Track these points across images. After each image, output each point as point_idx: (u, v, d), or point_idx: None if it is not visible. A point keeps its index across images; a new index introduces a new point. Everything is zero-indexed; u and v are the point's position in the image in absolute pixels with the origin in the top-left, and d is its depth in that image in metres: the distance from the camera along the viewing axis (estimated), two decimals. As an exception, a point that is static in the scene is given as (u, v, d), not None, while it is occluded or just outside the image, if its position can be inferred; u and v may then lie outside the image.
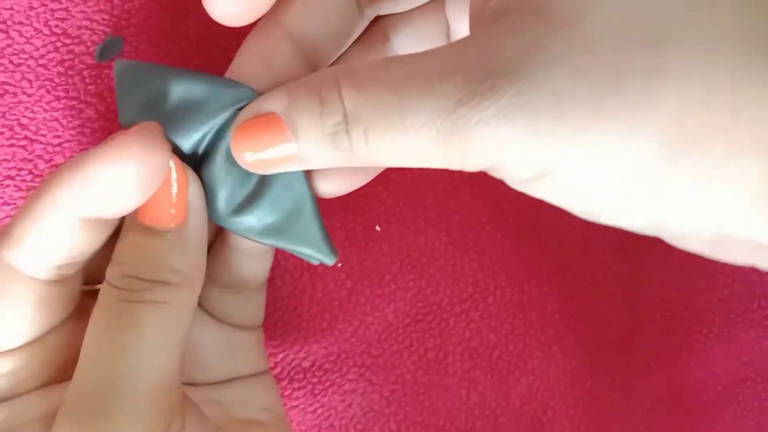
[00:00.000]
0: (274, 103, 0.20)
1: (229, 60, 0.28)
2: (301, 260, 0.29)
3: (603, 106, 0.16)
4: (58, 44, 0.27)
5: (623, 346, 0.31)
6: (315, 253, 0.23)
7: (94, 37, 0.27)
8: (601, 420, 0.31)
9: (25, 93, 0.27)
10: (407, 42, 0.25)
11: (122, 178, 0.20)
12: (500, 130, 0.16)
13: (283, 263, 0.29)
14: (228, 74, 0.22)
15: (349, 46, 0.25)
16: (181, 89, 0.21)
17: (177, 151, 0.22)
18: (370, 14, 0.24)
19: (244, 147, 0.20)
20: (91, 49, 0.27)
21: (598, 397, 0.31)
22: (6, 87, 0.27)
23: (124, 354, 0.20)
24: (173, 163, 0.21)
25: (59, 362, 0.23)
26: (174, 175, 0.21)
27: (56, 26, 0.27)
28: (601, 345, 0.31)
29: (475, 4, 0.20)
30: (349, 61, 0.25)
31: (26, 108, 0.27)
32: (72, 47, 0.27)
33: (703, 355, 0.32)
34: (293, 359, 0.30)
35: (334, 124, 0.19)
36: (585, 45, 0.16)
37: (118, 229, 0.23)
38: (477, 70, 0.17)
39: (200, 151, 0.22)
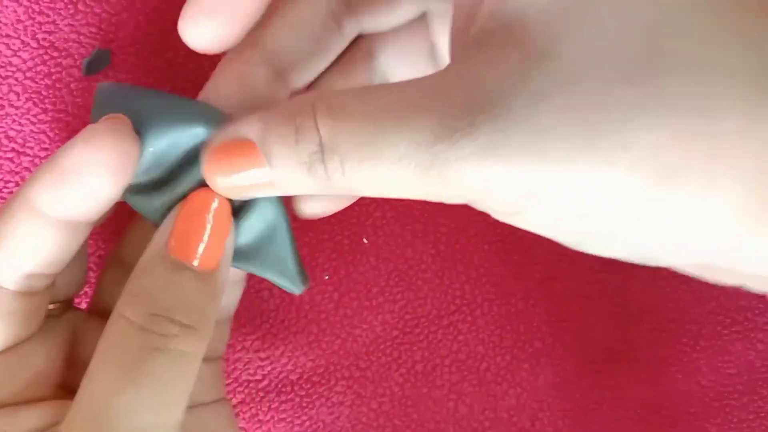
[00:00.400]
0: (248, 129, 0.20)
1: (216, 73, 0.28)
2: (288, 272, 0.29)
3: (585, 141, 0.16)
4: (46, 57, 0.27)
5: (611, 358, 0.31)
6: (283, 281, 0.23)
7: (82, 50, 0.27)
8: (589, 431, 0.32)
9: (12, 105, 0.27)
10: (392, 61, 0.25)
11: (92, 164, 0.19)
12: (480, 167, 0.16)
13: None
14: (202, 94, 0.22)
15: (333, 65, 0.25)
16: (151, 106, 0.21)
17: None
18: (351, 32, 0.24)
19: (216, 171, 0.20)
20: (78, 62, 0.27)
21: (586, 409, 0.31)
22: (-7, 99, 0.27)
23: (146, 409, 0.19)
24: (220, 206, 0.21)
25: (16, 383, 0.22)
26: (212, 215, 0.21)
27: (44, 39, 0.27)
28: (589, 357, 0.31)
29: (455, 32, 0.20)
30: (331, 80, 0.25)
31: (13, 120, 0.27)
32: (59, 60, 0.27)
33: (690, 367, 0.32)
34: (281, 372, 0.30)
35: (310, 153, 0.18)
36: (566, 79, 0.16)
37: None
38: (455, 104, 0.17)
39: (166, 170, 0.21)
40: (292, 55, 0.22)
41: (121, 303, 0.20)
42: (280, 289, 0.29)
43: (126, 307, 0.20)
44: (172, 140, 0.21)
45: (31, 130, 0.27)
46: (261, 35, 0.22)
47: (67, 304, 0.25)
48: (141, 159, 0.21)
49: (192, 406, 0.25)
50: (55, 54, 0.27)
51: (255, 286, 0.29)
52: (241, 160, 0.19)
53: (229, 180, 0.20)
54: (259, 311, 0.30)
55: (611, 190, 0.16)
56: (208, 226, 0.21)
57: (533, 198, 0.17)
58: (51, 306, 0.24)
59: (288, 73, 0.23)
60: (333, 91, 0.19)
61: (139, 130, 0.20)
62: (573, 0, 0.16)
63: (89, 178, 0.20)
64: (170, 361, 0.20)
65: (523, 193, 0.17)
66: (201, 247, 0.20)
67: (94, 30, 0.27)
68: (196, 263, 0.20)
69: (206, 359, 0.25)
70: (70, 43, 0.27)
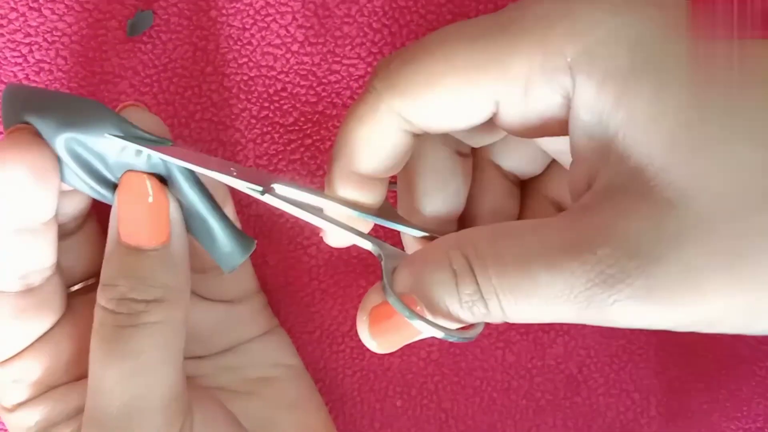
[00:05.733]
0: (401, 283, 0.21)
1: (260, 30, 0.28)
2: (335, 227, 0.30)
3: (736, 273, 0.17)
4: (90, 20, 0.27)
5: (657, 304, 0.32)
6: (213, 255, 0.23)
7: (125, 12, 0.27)
8: (635, 376, 0.32)
9: (60, 70, 0.28)
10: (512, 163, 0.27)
11: (12, 184, 0.20)
12: (640, 309, 0.18)
13: (318, 230, 0.30)
14: None
15: None
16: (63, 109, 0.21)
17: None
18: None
19: (375, 338, 0.21)
20: (122, 24, 0.27)
21: (632, 354, 0.32)
22: (42, 65, 0.27)
23: (132, 380, 0.21)
24: (151, 184, 0.22)
25: (61, 363, 0.24)
26: (152, 197, 0.22)
27: (87, 2, 0.27)
28: (636, 303, 0.31)
29: (577, 182, 0.20)
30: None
31: (62, 84, 0.28)
32: (104, 22, 0.27)
33: (738, 311, 0.32)
34: (331, 324, 0.30)
35: (470, 294, 0.20)
36: (702, 222, 0.17)
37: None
38: (606, 254, 0.18)
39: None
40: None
41: (97, 292, 0.22)
42: (327, 244, 0.30)
43: (99, 296, 0.22)
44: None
45: (80, 94, 0.28)
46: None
47: (94, 281, 0.26)
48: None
49: (243, 342, 0.28)
50: (100, 17, 0.27)
51: (302, 243, 0.30)
52: (400, 319, 0.21)
53: (386, 339, 0.22)
54: (307, 267, 0.30)
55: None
56: (147, 207, 0.22)
57: (699, 321, 0.18)
58: (74, 288, 0.25)
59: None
60: (475, 233, 0.21)
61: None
62: (686, 158, 0.18)
63: (23, 199, 0.21)
64: (145, 334, 0.22)
65: (689, 318, 0.18)
66: (146, 227, 0.22)
67: (136, -9, 0.27)
68: (146, 244, 0.22)
69: (238, 300, 0.28)
70: (114, 5, 0.27)
